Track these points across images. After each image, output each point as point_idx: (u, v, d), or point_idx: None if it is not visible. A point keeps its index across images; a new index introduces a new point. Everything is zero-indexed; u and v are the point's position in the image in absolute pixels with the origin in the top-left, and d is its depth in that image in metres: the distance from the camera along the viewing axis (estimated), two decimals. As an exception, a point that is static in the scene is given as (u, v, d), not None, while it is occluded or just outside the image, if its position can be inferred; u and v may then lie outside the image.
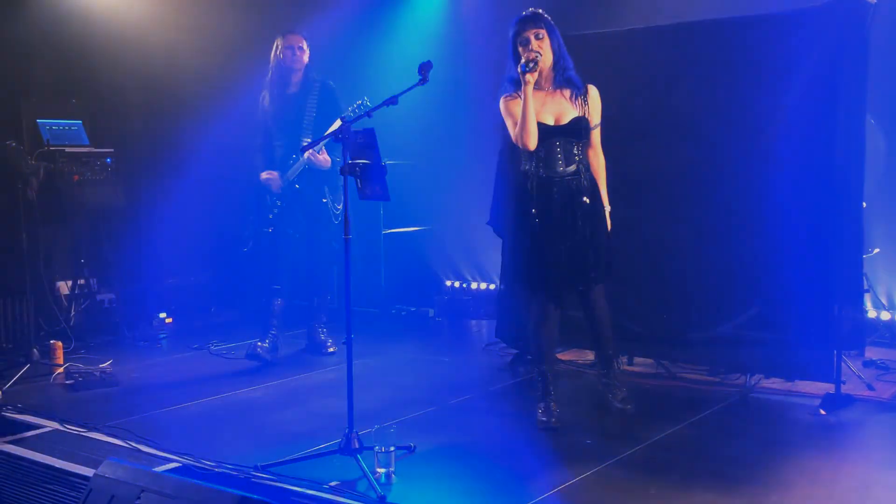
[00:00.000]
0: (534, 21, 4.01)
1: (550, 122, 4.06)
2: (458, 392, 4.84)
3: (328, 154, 5.37)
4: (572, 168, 4.07)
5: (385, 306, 7.12)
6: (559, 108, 4.06)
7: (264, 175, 5.52)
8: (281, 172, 5.50)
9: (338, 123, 5.04)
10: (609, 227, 4.18)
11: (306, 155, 5.28)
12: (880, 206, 5.12)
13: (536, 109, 4.02)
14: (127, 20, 6.49)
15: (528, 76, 3.92)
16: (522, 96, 3.97)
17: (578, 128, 4.06)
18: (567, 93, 4.06)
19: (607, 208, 4.18)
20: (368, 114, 3.77)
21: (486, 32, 6.37)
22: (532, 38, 4.00)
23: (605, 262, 4.17)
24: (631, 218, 5.01)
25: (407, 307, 7.07)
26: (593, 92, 4.11)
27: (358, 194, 3.86)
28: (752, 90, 4.56)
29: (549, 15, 4.08)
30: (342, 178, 5.40)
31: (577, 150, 4.08)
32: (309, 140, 5.37)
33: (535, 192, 4.09)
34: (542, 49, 3.99)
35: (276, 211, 5.56)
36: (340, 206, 5.54)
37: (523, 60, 3.94)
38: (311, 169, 5.42)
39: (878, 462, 3.78)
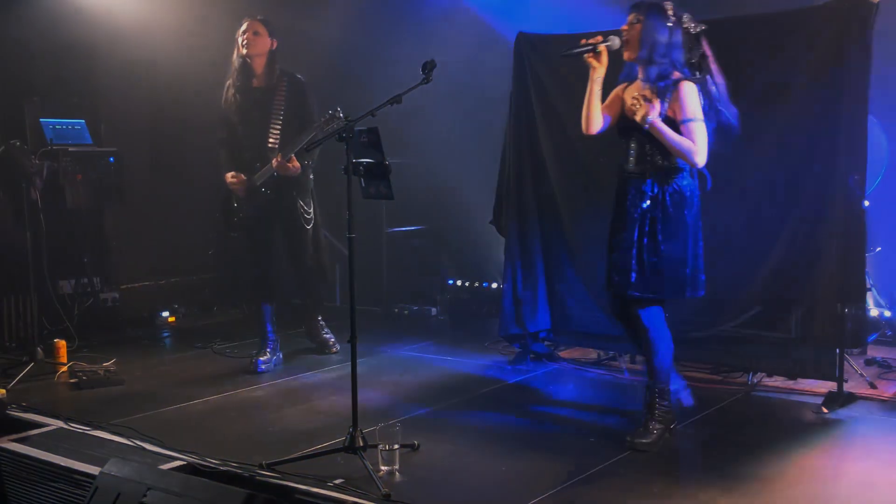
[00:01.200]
0: (636, 7, 3.84)
1: (632, 115, 3.86)
2: (461, 391, 4.85)
3: (297, 161, 5.09)
4: (639, 168, 3.87)
5: (388, 305, 7.13)
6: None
7: (230, 178, 5.25)
8: (247, 175, 5.23)
9: (316, 130, 4.95)
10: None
11: (275, 163, 5.07)
12: (883, 204, 5.13)
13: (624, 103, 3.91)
14: (131, 18, 6.49)
15: (588, 59, 3.84)
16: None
17: None
18: (654, 88, 3.78)
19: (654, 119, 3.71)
20: (372, 113, 3.76)
21: (491, 32, 6.38)
22: (629, 22, 3.83)
23: (652, 275, 3.83)
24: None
25: (409, 306, 7.07)
26: (683, 87, 3.75)
27: (362, 193, 3.87)
28: (754, 90, 4.56)
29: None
30: (309, 182, 5.37)
31: (650, 148, 3.83)
32: (276, 139, 5.17)
33: (616, 185, 4.01)
34: (630, 35, 3.82)
35: (240, 215, 5.34)
36: (311, 210, 5.37)
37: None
38: (281, 174, 5.14)
39: (880, 460, 3.79)
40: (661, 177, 3.84)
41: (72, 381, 5.07)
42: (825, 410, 4.32)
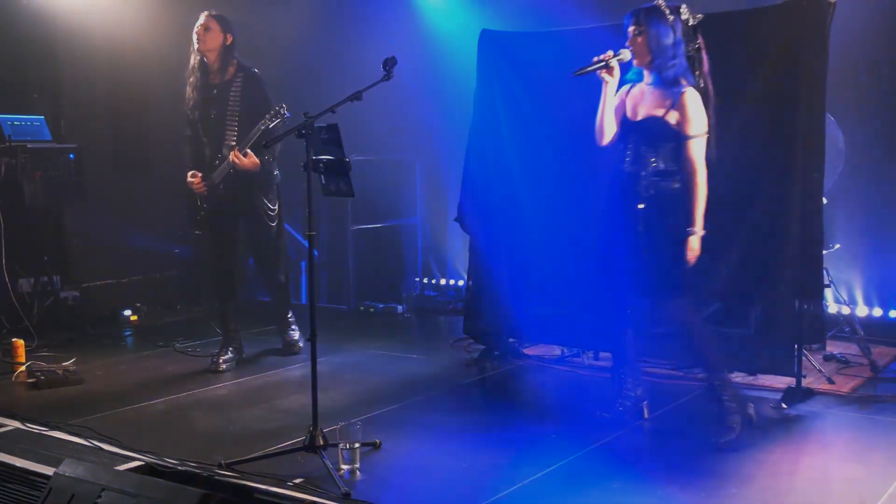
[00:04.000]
0: (635, 17, 3.87)
1: (632, 117, 3.94)
2: (424, 388, 4.84)
3: (255, 157, 4.98)
4: (635, 168, 3.89)
5: (353, 303, 7.12)
6: (645, 105, 3.90)
7: (189, 177, 5.18)
8: (206, 173, 5.17)
9: (261, 126, 4.88)
10: (692, 250, 3.80)
11: (231, 157, 4.99)
12: (840, 202, 5.20)
13: (632, 103, 3.94)
14: (91, 14, 6.40)
15: (601, 74, 3.91)
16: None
17: (652, 128, 3.85)
18: (661, 91, 3.85)
19: (694, 230, 3.79)
20: (332, 109, 3.74)
21: (456, 29, 6.39)
22: (632, 34, 3.88)
23: (664, 276, 3.89)
24: (593, 214, 5.06)
25: (375, 304, 7.06)
26: (686, 95, 3.78)
27: (322, 190, 3.85)
28: (713, 87, 4.58)
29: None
30: (273, 178, 5.33)
31: (651, 152, 3.86)
32: (234, 135, 5.08)
33: (615, 186, 4.02)
34: (637, 46, 3.86)
35: (202, 213, 5.26)
36: (275, 208, 5.34)
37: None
38: (239, 170, 5.06)
39: (837, 455, 3.85)
40: (654, 178, 3.87)
41: (30, 380, 4.99)
42: (784, 406, 4.37)
